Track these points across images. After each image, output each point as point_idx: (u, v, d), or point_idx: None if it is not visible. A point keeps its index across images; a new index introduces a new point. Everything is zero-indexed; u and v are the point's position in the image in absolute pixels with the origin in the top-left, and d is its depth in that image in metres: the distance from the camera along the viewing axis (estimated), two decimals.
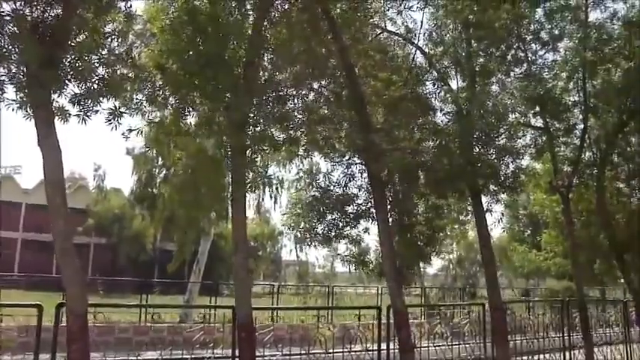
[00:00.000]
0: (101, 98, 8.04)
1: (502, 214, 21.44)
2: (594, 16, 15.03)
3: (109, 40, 8.41)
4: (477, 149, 11.67)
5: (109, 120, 8.43)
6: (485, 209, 12.64)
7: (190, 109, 9.78)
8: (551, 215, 18.17)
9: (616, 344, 16.41)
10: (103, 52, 8.30)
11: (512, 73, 14.31)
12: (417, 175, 11.10)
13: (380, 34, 13.00)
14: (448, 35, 13.18)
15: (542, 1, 14.02)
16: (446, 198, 12.33)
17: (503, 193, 12.30)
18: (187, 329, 13.74)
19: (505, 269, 46.88)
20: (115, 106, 8.48)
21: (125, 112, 8.92)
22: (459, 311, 17.07)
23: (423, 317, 21.16)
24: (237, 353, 9.07)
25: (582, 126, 15.08)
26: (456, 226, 23.22)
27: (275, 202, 33.13)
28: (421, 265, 36.17)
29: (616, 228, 15.93)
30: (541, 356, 14.63)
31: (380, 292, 26.68)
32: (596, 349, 15.37)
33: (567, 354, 14.45)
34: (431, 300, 30.96)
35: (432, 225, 11.56)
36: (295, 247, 51.47)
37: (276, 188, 31.83)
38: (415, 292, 32.93)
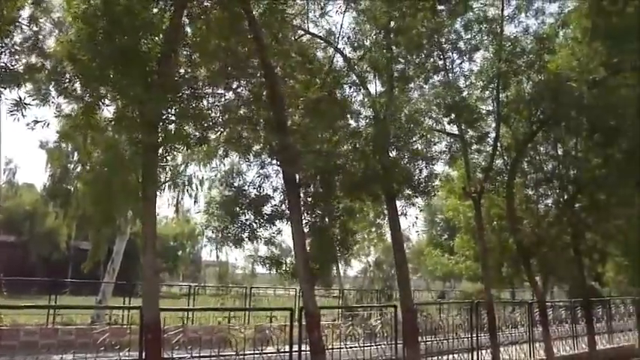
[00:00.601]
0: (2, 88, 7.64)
1: (416, 217, 21.96)
2: (509, 29, 15.65)
3: (13, 27, 7.99)
4: (392, 154, 11.85)
5: (12, 111, 8.05)
6: (399, 213, 12.86)
7: (102, 102, 9.44)
8: (463, 220, 18.76)
9: (521, 344, 17.10)
10: (6, 40, 7.89)
11: (430, 81, 14.69)
12: (332, 177, 11.14)
13: (302, 36, 12.98)
14: (368, 40, 13.32)
15: (461, 12, 14.42)
16: (361, 201, 12.45)
17: (417, 197, 12.55)
18: (96, 331, 13.25)
19: (423, 272, 48.09)
20: (20, 97, 8.10)
21: (29, 104, 8.55)
22: (373, 313, 17.31)
23: (340, 319, 21.31)
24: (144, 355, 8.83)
25: (495, 134, 15.63)
26: (373, 229, 23.63)
27: (195, 202, 32.48)
28: (341, 267, 36.70)
29: (524, 233, 16.61)
30: (450, 356, 14.97)
31: (298, 294, 26.67)
32: (502, 349, 15.94)
33: (475, 354, 14.90)
34: (349, 302, 31.27)
35: (345, 227, 11.62)
36: (216, 248, 50.80)
37: (196, 187, 31.25)
38: (335, 294, 33.21)
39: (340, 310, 24.42)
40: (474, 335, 15.09)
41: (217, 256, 55.22)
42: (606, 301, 23.99)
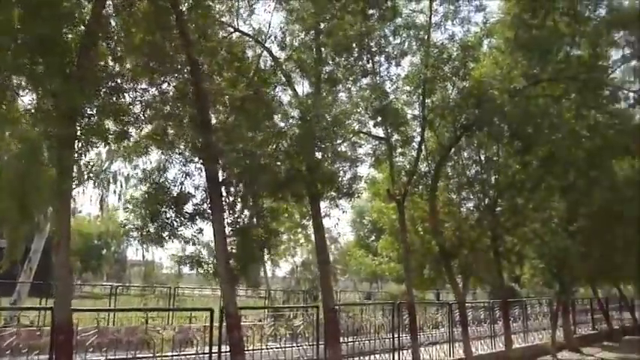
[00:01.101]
0: None
1: (338, 219, 22.10)
2: (436, 36, 16.02)
3: None
4: (318, 155, 11.87)
5: None
6: (323, 214, 12.93)
7: (15, 93, 9.04)
8: (388, 222, 19.05)
9: (441, 344, 17.52)
10: None
11: (358, 83, 14.82)
12: (256, 176, 11.05)
13: (231, 33, 12.82)
14: (296, 40, 13.32)
15: (390, 18, 14.63)
16: (285, 201, 12.42)
17: (341, 198, 12.64)
18: (5, 334, 12.66)
19: (351, 273, 48.57)
20: None
21: None
22: (296, 313, 17.33)
23: (265, 319, 21.23)
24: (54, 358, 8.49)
25: (419, 138, 15.96)
26: (299, 230, 23.64)
27: (119, 199, 31.54)
28: (269, 268, 36.60)
29: (445, 235, 17.03)
30: (372, 357, 15.15)
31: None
32: (423, 349, 16.27)
33: (397, 354, 15.13)
34: (276, 302, 31.20)
35: (269, 227, 11.55)
36: (142, 247, 49.53)
37: (121, 185, 30.42)
38: (262, 295, 33.08)
39: (266, 310, 24.32)
40: (396, 336, 15.33)
41: (143, 256, 53.98)
42: (523, 301, 24.97)
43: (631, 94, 20.90)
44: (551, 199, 18.28)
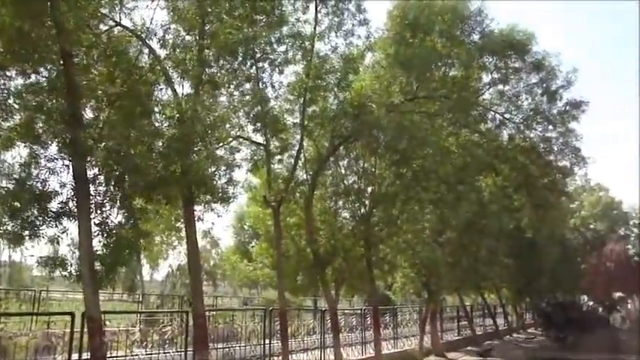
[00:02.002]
0: None
1: (213, 223, 21.89)
2: (319, 47, 16.25)
3: None
4: (193, 157, 11.62)
5: None
6: (197, 218, 12.68)
7: None
8: (264, 228, 19.09)
9: (313, 350, 17.75)
10: None
11: (240, 88, 14.71)
12: (126, 176, 10.65)
13: (113, 27, 12.27)
14: (178, 39, 13.00)
15: (276, 25, 14.67)
16: (157, 203, 12.05)
17: (216, 202, 12.46)
18: None
19: (230, 278, 48.11)
20: None
21: None
22: (168, 318, 16.89)
23: (139, 325, 20.50)
24: None
25: (298, 146, 16.12)
26: (173, 232, 23.08)
27: None
28: (147, 271, 35.56)
29: (320, 243, 17.28)
30: None
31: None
32: (295, 355, 16.39)
33: None
34: (150, 307, 30.24)
35: (138, 229, 11.16)
36: (9, 247, 46.15)
37: None
38: (138, 299, 31.96)
39: (138, 315, 23.49)
40: (267, 342, 15.33)
41: (9, 256, 50.38)
42: (395, 309, 25.90)
43: (497, 116, 22.41)
44: (422, 211, 19.08)
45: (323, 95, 16.01)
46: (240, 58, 14.27)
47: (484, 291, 35.97)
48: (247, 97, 14.40)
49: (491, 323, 35.95)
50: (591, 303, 43.61)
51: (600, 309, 39.83)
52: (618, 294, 57.33)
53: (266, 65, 15.27)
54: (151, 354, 12.91)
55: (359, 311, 22.49)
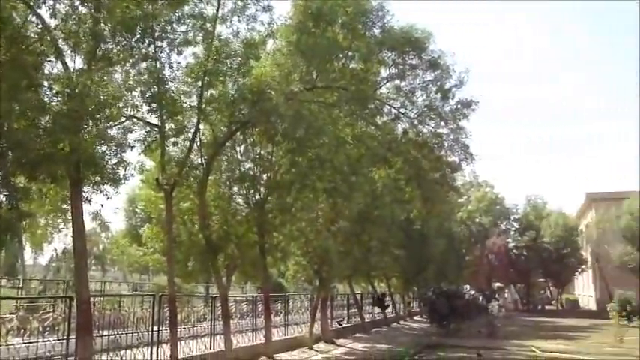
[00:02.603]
0: None
1: (102, 205, 21.18)
2: (221, 30, 15.97)
3: None
4: (81, 135, 11.09)
5: None
6: (84, 199, 12.15)
7: None
8: (156, 212, 18.57)
9: (203, 336, 17.54)
10: None
11: (137, 66, 14.20)
12: (7, 152, 10.01)
13: None
14: (72, 10, 12.33)
15: (178, 4, 14.26)
16: (42, 182, 11.43)
17: (105, 184, 12.00)
18: None
19: (120, 263, 46.59)
20: None
21: None
22: (50, 305, 16.12)
23: (18, 311, 19.38)
24: None
25: (194, 129, 15.81)
26: (59, 214, 21.97)
27: None
28: (30, 255, 33.62)
29: (213, 229, 17.07)
30: (129, 351, 14.58)
31: None
32: (185, 342, 16.11)
33: (155, 348, 14.71)
34: (31, 292, 28.73)
35: (19, 210, 10.53)
36: None
37: None
38: (18, 284, 30.29)
39: (17, 301, 22.25)
40: (156, 328, 14.94)
41: None
42: (286, 296, 26.14)
43: (393, 110, 23.12)
44: (316, 200, 19.33)
45: (222, 79, 15.74)
46: (138, 36, 13.71)
47: (374, 280, 37.05)
48: (143, 77, 13.89)
49: (380, 311, 37.10)
50: (473, 292, 46.04)
51: (481, 298, 42.08)
52: (497, 284, 61.08)
53: (165, 45, 14.77)
54: (30, 342, 12.19)
55: (251, 298, 22.49)
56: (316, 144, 17.07)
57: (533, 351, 23.79)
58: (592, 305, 56.99)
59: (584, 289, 63.25)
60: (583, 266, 58.47)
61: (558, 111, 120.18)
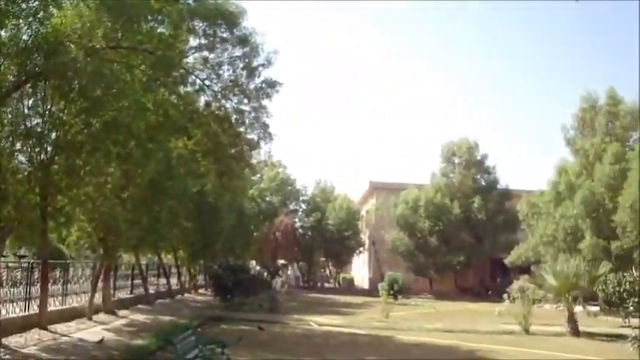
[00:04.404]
0: None
1: None
2: None
3: None
4: None
5: None
6: None
7: None
8: None
9: None
10: None
11: None
12: None
13: None
14: None
15: None
16: None
17: None
18: None
19: None
20: None
21: None
22: None
23: None
24: None
25: None
26: None
27: None
28: None
29: None
30: None
31: None
32: None
33: None
34: None
35: None
36: None
37: None
38: None
39: None
40: None
41: None
42: (67, 263, 24.64)
43: (198, 81, 22.89)
44: (108, 165, 18.47)
45: (15, 23, 14.24)
46: None
47: (161, 251, 36.49)
48: None
49: (165, 283, 36.72)
50: (258, 268, 47.53)
51: (265, 274, 43.65)
52: (282, 261, 63.74)
53: None
54: None
55: (25, 265, 20.82)
56: (115, 106, 16.20)
57: (311, 325, 25.45)
58: (366, 284, 62.25)
59: (360, 269, 68.79)
60: (361, 248, 63.62)
61: (360, 103, 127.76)
